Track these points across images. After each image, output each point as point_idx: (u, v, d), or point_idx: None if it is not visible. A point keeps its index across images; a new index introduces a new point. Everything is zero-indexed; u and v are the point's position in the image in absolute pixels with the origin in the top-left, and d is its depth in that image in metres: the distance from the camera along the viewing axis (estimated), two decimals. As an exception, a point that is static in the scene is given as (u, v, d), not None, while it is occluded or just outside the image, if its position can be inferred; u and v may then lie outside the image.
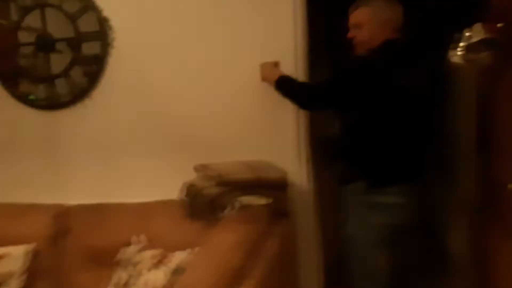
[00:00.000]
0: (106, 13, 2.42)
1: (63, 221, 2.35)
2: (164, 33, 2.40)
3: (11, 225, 2.32)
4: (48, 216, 2.34)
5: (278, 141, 2.34)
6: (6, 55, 2.55)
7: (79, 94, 2.49)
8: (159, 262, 1.92)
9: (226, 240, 1.75)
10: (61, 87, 2.53)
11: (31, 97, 2.58)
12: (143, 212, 2.28)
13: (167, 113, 2.42)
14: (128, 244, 2.13)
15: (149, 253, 2.02)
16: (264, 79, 2.26)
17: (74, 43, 2.46)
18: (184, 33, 2.38)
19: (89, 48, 2.45)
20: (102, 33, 2.42)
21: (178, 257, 1.91)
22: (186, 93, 2.39)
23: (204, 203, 2.05)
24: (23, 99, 2.59)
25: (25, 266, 2.16)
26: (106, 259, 2.18)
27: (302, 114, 2.35)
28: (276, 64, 2.27)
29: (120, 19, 2.43)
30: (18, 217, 2.36)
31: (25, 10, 2.49)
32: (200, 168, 2.13)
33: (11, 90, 2.58)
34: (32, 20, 2.50)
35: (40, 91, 2.57)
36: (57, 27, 2.48)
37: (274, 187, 2.14)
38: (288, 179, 2.21)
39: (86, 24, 2.44)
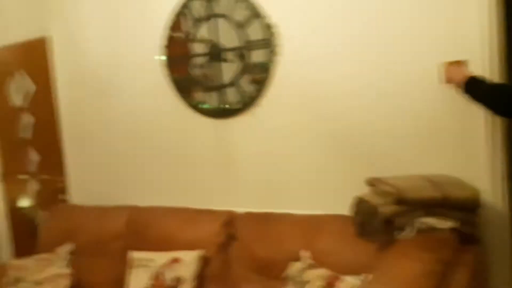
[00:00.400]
0: (272, 20, 2.38)
1: (232, 228, 2.37)
2: (333, 37, 2.25)
3: (184, 229, 2.42)
4: (218, 222, 2.38)
5: (467, 153, 1.99)
6: (182, 65, 2.69)
7: (248, 102, 2.50)
8: (329, 286, 1.76)
9: (409, 270, 1.51)
10: (231, 95, 2.56)
11: (204, 105, 2.68)
12: (310, 225, 2.17)
13: (337, 121, 2.26)
14: (295, 258, 2.03)
15: (316, 273, 1.89)
16: (449, 81, 1.95)
17: (243, 51, 2.47)
18: (355, 35, 2.19)
19: (257, 56, 2.44)
20: (269, 40, 2.38)
21: (349, 284, 1.73)
22: (359, 99, 2.20)
23: (378, 222, 1.83)
24: (197, 107, 2.70)
25: (196, 272, 2.21)
26: (272, 271, 2.13)
27: (497, 122, 1.96)
28: (462, 63, 1.94)
29: (286, 26, 2.36)
30: (191, 222, 2.45)
31: (199, 22, 2.59)
32: (374, 182, 1.93)
33: (187, 99, 2.71)
34: (205, 30, 2.59)
35: (212, 99, 2.65)
36: (227, 37, 2.53)
37: (463, 207, 1.82)
38: (479, 199, 1.86)
39: (254, 32, 2.43)
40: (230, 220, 2.39)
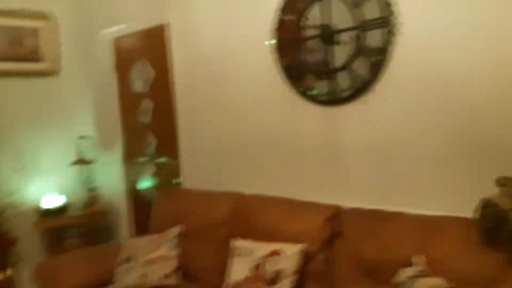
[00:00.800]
0: (390, -4, 2.14)
1: (337, 224, 2.21)
2: (461, 14, 1.94)
3: (288, 221, 2.32)
4: (323, 217, 2.23)
5: None
6: (292, 49, 2.57)
7: (360, 88, 2.29)
8: (445, 300, 1.53)
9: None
10: (343, 80, 2.38)
11: (313, 91, 2.53)
12: (425, 227, 1.92)
13: (463, 111, 1.96)
14: (406, 263, 1.81)
15: (429, 282, 1.66)
16: None
17: (357, 33, 2.27)
18: (490, 10, 1.86)
19: (373, 37, 2.22)
20: (387, 19, 2.15)
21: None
22: (491, 88, 1.87)
23: (509, 230, 1.55)
24: (306, 94, 2.57)
25: (297, 266, 2.09)
26: (380, 275, 1.93)
27: None
28: None
29: (407, 2, 2.10)
30: (295, 214, 2.34)
31: (311, 2, 2.44)
32: (505, 182, 1.63)
33: (295, 85, 2.59)
34: (317, 12, 2.43)
35: (322, 85, 2.49)
36: (340, 17, 2.34)
37: None
38: None
39: (370, 11, 2.21)
40: (336, 215, 2.23)
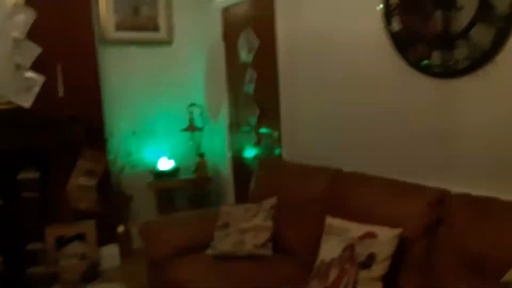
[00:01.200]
0: None
1: (442, 210, 2.00)
2: None
3: (386, 203, 2.16)
4: (427, 201, 2.03)
5: None
6: (404, 14, 2.34)
7: (479, 59, 2.01)
8: None
9: None
10: (460, 50, 2.11)
11: (425, 62, 2.29)
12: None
13: None
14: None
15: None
16: None
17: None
18: None
19: (499, 1, 1.91)
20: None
21: None
22: None
23: None
24: (417, 65, 2.33)
25: (392, 252, 1.94)
26: (487, 271, 1.71)
27: None
28: None
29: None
30: (395, 196, 2.18)
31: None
32: None
33: (404, 54, 2.36)
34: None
35: (436, 55, 2.24)
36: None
37: None
38: None
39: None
40: (441, 200, 2.01)
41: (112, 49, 4.20)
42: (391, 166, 2.45)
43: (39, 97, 3.50)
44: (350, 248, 2.03)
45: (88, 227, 3.68)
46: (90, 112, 3.78)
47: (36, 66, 3.51)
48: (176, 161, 4.40)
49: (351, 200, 2.32)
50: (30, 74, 3.48)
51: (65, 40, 3.65)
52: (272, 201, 2.77)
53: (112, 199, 4.01)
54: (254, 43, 3.64)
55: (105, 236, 3.84)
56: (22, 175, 3.60)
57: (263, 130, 3.67)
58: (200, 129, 4.35)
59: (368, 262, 1.95)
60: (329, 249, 2.14)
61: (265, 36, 3.47)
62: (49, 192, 3.71)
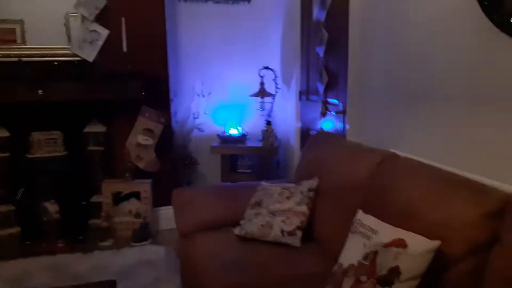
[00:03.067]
0: None
1: (502, 222, 1.45)
2: None
3: (433, 203, 1.65)
4: (485, 209, 1.50)
5: None
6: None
7: None
8: None
9: None
10: None
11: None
12: None
13: None
14: None
15: None
16: None
17: None
18: None
19: None
20: None
21: None
22: None
23: None
24: (507, 25, 1.72)
25: (424, 269, 1.47)
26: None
27: None
28: None
29: None
30: (447, 196, 1.65)
31: None
32: None
33: (492, 12, 1.76)
34: None
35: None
36: None
37: None
38: None
39: None
40: (504, 209, 1.46)
41: (187, 5, 4.02)
42: (463, 155, 1.90)
43: (102, 51, 3.47)
44: (371, 256, 1.60)
45: (144, 186, 3.63)
46: (155, 69, 3.67)
47: (101, 19, 3.47)
48: (244, 127, 4.16)
49: (394, 192, 1.85)
50: (94, 27, 3.44)
51: (132, -7, 3.54)
52: (312, 182, 2.39)
53: (174, 160, 3.92)
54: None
55: (163, 198, 3.77)
56: (88, 129, 3.65)
57: (330, 100, 3.23)
58: (272, 95, 4.02)
59: (390, 278, 1.51)
60: (351, 252, 1.73)
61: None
62: (113, 147, 3.73)
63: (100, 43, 3.45)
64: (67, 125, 3.59)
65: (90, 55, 3.43)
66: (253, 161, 4.07)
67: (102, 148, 3.69)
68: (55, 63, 3.38)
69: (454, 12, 1.98)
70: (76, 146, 3.63)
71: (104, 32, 3.46)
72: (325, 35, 3.19)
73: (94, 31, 3.44)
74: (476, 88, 1.88)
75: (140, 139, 3.57)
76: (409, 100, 2.32)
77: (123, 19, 3.44)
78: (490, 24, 1.77)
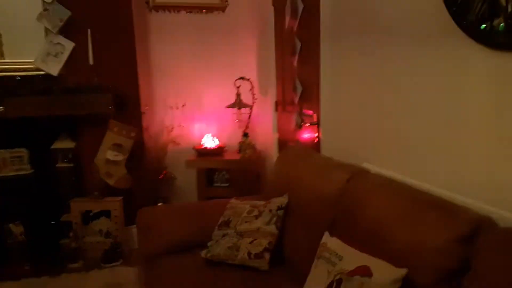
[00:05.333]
0: None
1: (474, 247, 1.33)
2: None
3: (402, 226, 1.53)
4: (457, 233, 1.37)
5: None
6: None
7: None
8: None
9: None
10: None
11: (484, 26, 1.56)
12: None
13: None
14: None
15: None
16: None
17: None
18: None
19: None
20: None
21: None
22: None
23: None
24: (474, 29, 1.61)
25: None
26: None
27: None
28: None
29: None
30: (416, 218, 1.52)
31: None
32: None
33: (459, 16, 1.65)
34: None
35: (499, 18, 1.50)
36: None
37: None
38: None
39: None
40: (478, 231, 1.34)
41: (159, 15, 3.89)
42: (436, 171, 1.78)
43: (68, 64, 3.33)
44: (335, 286, 1.47)
45: (114, 204, 3.48)
46: (124, 82, 3.52)
47: (65, 32, 3.32)
48: (221, 139, 4.03)
49: (361, 212, 1.72)
50: (59, 39, 3.30)
51: (98, 4, 3.39)
52: (281, 200, 2.26)
53: (148, 176, 3.77)
54: (298, 7, 3.05)
55: (136, 216, 3.61)
56: (56, 145, 3.50)
57: (305, 111, 3.11)
58: (249, 106, 3.90)
59: (352, 309, 1.38)
60: (316, 280, 1.60)
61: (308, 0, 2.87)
62: (82, 164, 3.58)
63: (65, 56, 3.31)
64: (33, 142, 3.43)
65: (54, 68, 3.29)
66: (231, 174, 3.93)
67: (71, 165, 3.53)
68: (18, 78, 3.23)
69: (423, 17, 1.87)
70: (43, 163, 3.47)
71: (69, 45, 3.32)
72: (298, 44, 3.08)
73: (59, 43, 3.30)
74: (445, 101, 1.77)
75: (109, 155, 3.42)
76: (382, 112, 2.20)
77: (89, 31, 3.31)
78: (458, 27, 1.66)
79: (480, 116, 1.60)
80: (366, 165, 2.16)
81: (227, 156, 3.88)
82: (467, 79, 1.65)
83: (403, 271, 1.35)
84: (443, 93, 1.77)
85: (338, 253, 1.57)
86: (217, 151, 3.93)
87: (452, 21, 1.67)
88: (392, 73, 2.09)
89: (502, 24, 1.48)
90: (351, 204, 1.80)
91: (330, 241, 1.66)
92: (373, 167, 2.12)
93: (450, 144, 1.74)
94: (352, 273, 1.43)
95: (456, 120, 1.71)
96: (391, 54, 2.07)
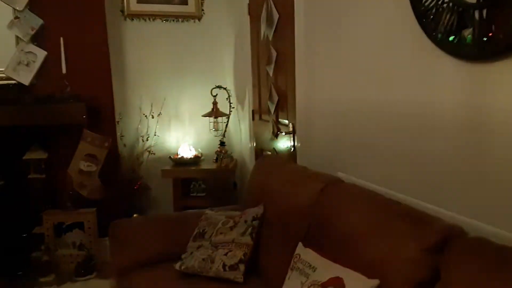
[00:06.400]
0: None
1: (445, 257, 1.33)
2: None
3: (375, 236, 1.53)
4: (426, 244, 1.37)
5: None
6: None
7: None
8: None
9: None
10: (503, 21, 1.39)
11: (452, 38, 1.59)
12: None
13: None
14: None
15: None
16: None
17: None
18: None
19: None
20: None
21: None
22: None
23: None
24: (442, 41, 1.63)
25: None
26: None
27: None
28: None
29: None
30: (388, 229, 1.53)
31: None
32: None
33: (429, 28, 1.68)
34: None
35: (468, 30, 1.53)
36: None
37: None
38: None
39: None
40: (448, 241, 1.35)
41: (134, 23, 3.86)
42: (405, 180, 1.80)
43: (40, 74, 3.27)
44: (309, 297, 1.46)
45: (88, 216, 3.41)
46: (97, 91, 3.48)
47: (37, 40, 3.26)
48: (199, 148, 4.00)
49: (334, 222, 1.72)
50: (30, 48, 3.24)
51: (71, 12, 3.34)
52: (257, 210, 2.25)
53: (122, 187, 3.71)
54: (274, 16, 3.06)
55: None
56: (28, 155, 3.41)
57: (281, 120, 3.11)
58: (226, 115, 3.88)
59: (327, 321, 1.37)
60: (290, 290, 1.58)
61: (285, 8, 2.88)
62: (55, 175, 3.50)
63: (37, 65, 3.25)
64: (4, 152, 3.34)
65: (26, 78, 3.22)
66: (208, 183, 3.90)
67: (43, 176, 3.45)
68: (-13, 87, 3.15)
69: (395, 28, 1.89)
70: (14, 174, 3.39)
71: (41, 54, 3.26)
72: (274, 53, 3.09)
73: (30, 52, 3.23)
74: (417, 112, 1.79)
75: (83, 165, 3.35)
76: (356, 122, 2.22)
77: (61, 39, 3.25)
78: (428, 40, 1.69)
79: (451, 126, 1.62)
80: (340, 174, 2.16)
81: (204, 166, 3.85)
82: (438, 90, 1.67)
83: (375, 282, 1.35)
84: (415, 104, 1.79)
85: (312, 264, 1.56)
86: (194, 161, 3.90)
87: (423, 33, 1.70)
88: (365, 81, 2.10)
89: (469, 36, 1.50)
90: (324, 215, 1.80)
91: (303, 252, 1.65)
92: (348, 177, 2.13)
93: (421, 153, 1.76)
94: (325, 284, 1.42)
95: (428, 130, 1.73)
96: (364, 63, 2.09)
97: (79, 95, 3.31)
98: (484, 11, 1.43)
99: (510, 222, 1.34)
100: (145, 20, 3.89)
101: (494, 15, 1.40)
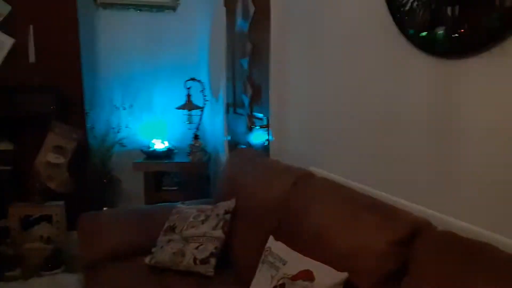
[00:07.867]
0: None
1: (414, 249, 1.34)
2: None
3: (344, 229, 1.53)
4: (396, 236, 1.39)
5: None
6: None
7: (497, 34, 1.31)
8: None
9: None
10: (473, 19, 1.41)
11: (424, 34, 1.60)
12: None
13: None
14: None
15: None
16: None
17: None
18: None
19: None
20: None
21: None
22: None
23: None
24: (413, 37, 1.64)
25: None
26: None
27: None
28: None
29: None
30: (357, 221, 1.53)
31: None
32: None
33: (401, 23, 1.69)
34: None
35: (439, 26, 1.55)
36: None
37: None
38: None
39: None
40: (416, 234, 1.36)
41: (106, 12, 3.77)
42: (376, 175, 1.81)
43: (7, 62, 3.16)
44: (279, 289, 1.45)
45: (56, 209, 3.32)
46: (67, 81, 3.38)
47: (5, 27, 3.15)
48: (172, 141, 3.95)
49: (305, 216, 1.72)
50: (-4, 35, 3.12)
51: (40, -1, 3.25)
52: (229, 204, 2.23)
53: (91, 179, 3.63)
54: (250, 9, 3.04)
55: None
56: (-7, 146, 3.31)
57: (256, 113, 3.10)
58: (200, 108, 3.84)
59: (297, 314, 1.37)
60: (259, 285, 1.58)
61: (261, 1, 2.85)
62: (22, 167, 3.40)
63: (3, 53, 3.13)
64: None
65: (-9, 65, 3.11)
66: (182, 177, 3.86)
67: (9, 168, 3.35)
68: (-50, 75, 3.03)
69: (369, 22, 1.90)
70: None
71: (9, 41, 3.15)
72: (249, 46, 3.06)
73: (-3, 39, 3.12)
74: (389, 106, 1.80)
75: (51, 157, 3.26)
76: (328, 116, 2.22)
77: (31, 27, 3.15)
78: (400, 34, 1.70)
79: (422, 121, 1.63)
80: (312, 168, 2.16)
81: (177, 159, 3.81)
82: (409, 86, 1.69)
83: (344, 275, 1.36)
84: (386, 99, 1.80)
85: (282, 257, 1.55)
86: (167, 154, 3.85)
87: (396, 28, 1.71)
88: (338, 76, 2.10)
89: (441, 32, 1.52)
90: (295, 208, 1.80)
91: (274, 246, 1.65)
92: (319, 171, 2.13)
93: (391, 147, 1.77)
94: (295, 277, 1.42)
95: (398, 125, 1.75)
96: (338, 58, 2.09)
97: (48, 85, 3.22)
98: (457, 8, 1.44)
99: (476, 216, 1.37)
100: (118, 9, 3.80)
101: (466, 12, 1.42)
